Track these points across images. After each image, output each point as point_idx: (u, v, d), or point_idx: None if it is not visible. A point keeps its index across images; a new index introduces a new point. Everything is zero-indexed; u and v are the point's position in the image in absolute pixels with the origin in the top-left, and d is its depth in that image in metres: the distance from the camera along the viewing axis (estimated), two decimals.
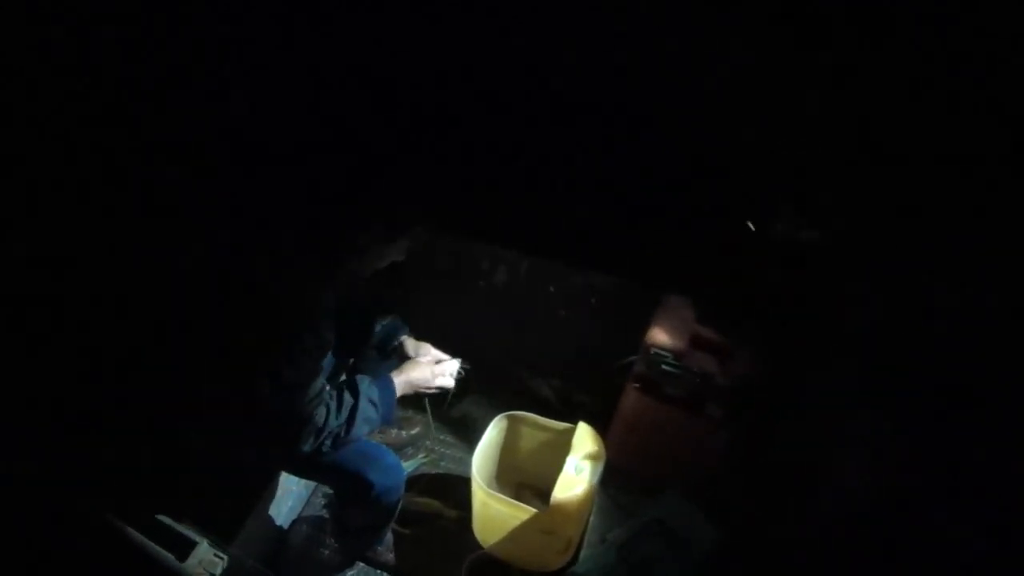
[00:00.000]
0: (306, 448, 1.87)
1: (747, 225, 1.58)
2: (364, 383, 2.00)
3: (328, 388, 1.91)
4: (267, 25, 1.81)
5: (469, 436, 3.10)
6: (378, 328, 2.44)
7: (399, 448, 2.99)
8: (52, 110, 1.81)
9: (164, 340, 2.06)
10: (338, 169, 1.95)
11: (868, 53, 1.22)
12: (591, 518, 2.50)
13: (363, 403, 1.95)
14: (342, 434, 1.92)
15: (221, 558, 1.89)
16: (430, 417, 2.99)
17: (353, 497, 2.22)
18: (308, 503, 2.72)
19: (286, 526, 2.60)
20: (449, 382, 2.30)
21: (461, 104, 1.88)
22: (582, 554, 2.42)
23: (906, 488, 1.42)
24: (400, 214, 1.93)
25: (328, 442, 1.91)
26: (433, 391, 2.28)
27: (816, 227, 1.52)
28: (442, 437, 3.12)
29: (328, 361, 2.00)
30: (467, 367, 2.37)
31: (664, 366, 2.47)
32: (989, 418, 1.23)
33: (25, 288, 1.91)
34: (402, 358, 2.42)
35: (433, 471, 2.94)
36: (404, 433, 3.05)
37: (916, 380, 1.41)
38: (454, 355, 2.40)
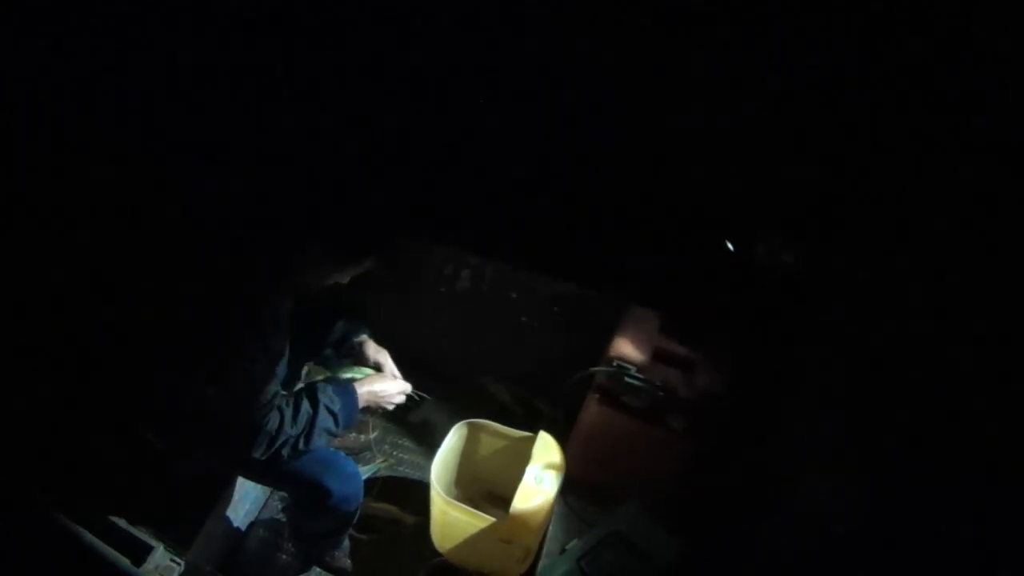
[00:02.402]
0: (258, 455, 1.84)
1: (725, 245, 1.60)
2: (324, 392, 1.97)
3: (283, 395, 1.88)
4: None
5: (428, 441, 3.10)
6: (336, 327, 2.41)
7: (357, 452, 2.97)
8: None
9: (120, 341, 2.02)
10: (291, 181, 1.93)
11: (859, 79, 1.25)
12: (550, 528, 2.51)
13: (322, 413, 1.92)
14: (300, 444, 1.90)
15: (177, 563, 1.87)
16: (377, 429, 2.99)
17: (310, 504, 2.19)
18: (265, 506, 2.69)
19: (243, 528, 2.57)
20: (402, 399, 2.31)
21: (425, 107, 1.87)
22: (540, 564, 2.43)
23: (870, 513, 1.45)
24: (354, 244, 1.93)
25: (286, 450, 1.88)
26: (389, 408, 2.28)
27: (796, 251, 1.55)
28: (401, 442, 3.11)
29: (282, 366, 1.98)
30: (416, 397, 2.39)
31: (627, 378, 2.48)
32: (960, 449, 1.26)
33: None
34: (360, 359, 2.41)
35: (391, 476, 2.93)
36: (362, 437, 3.04)
37: (888, 407, 1.44)
38: (404, 371, 2.41)
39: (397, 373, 2.38)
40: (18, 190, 1.92)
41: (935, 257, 1.35)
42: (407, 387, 2.32)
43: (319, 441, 1.93)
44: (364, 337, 2.42)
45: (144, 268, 2.01)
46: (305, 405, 1.90)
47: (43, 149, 1.91)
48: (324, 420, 1.93)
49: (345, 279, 2.00)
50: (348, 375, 2.27)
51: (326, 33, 1.70)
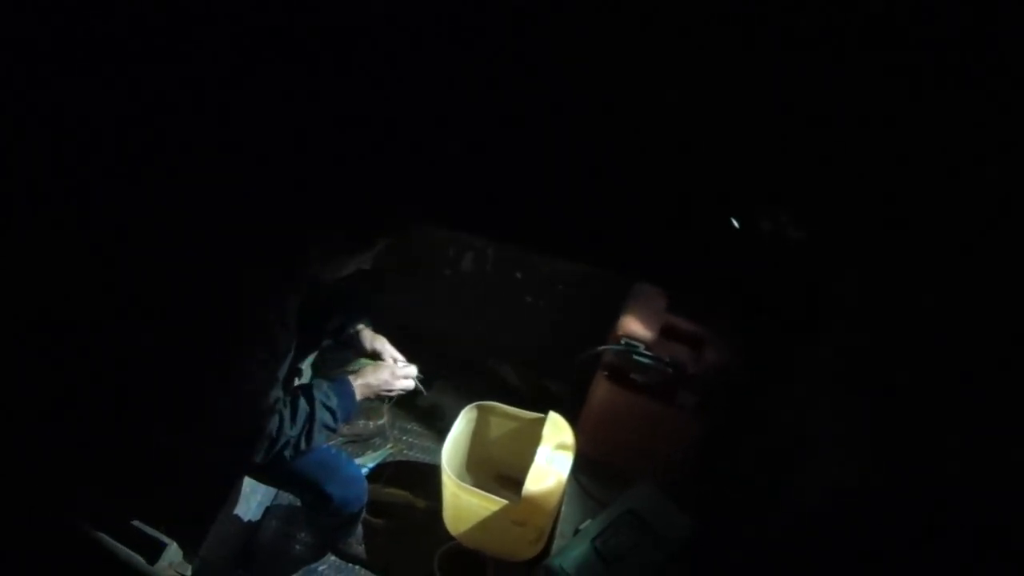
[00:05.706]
0: (259, 459, 1.82)
1: (731, 222, 1.58)
2: (320, 388, 1.96)
3: (282, 396, 1.87)
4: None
5: (437, 425, 3.08)
6: (334, 316, 2.39)
7: (366, 439, 2.97)
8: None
9: (130, 341, 2.00)
10: (298, 176, 1.90)
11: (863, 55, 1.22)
12: (563, 508, 2.51)
13: (319, 410, 1.90)
14: (301, 444, 1.88)
15: (191, 559, 1.87)
16: (386, 415, 2.98)
17: (314, 506, 2.21)
18: (278, 494, 2.68)
19: (257, 518, 2.57)
20: (410, 384, 2.30)
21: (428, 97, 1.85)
22: (554, 545, 2.43)
23: (884, 483, 1.44)
24: (361, 228, 1.90)
25: (288, 452, 1.86)
26: (393, 394, 2.27)
27: (802, 226, 1.53)
28: (410, 427, 3.10)
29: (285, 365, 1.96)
30: (422, 376, 2.36)
31: (635, 355, 2.46)
32: (969, 413, 1.25)
33: None
34: (357, 349, 2.39)
35: (402, 461, 2.92)
36: (371, 424, 3.02)
37: (897, 376, 1.43)
38: (411, 357, 2.40)
39: (400, 357, 2.37)
40: (27, 187, 1.91)
41: (948, 232, 1.33)
42: (409, 371, 2.31)
43: (319, 439, 1.92)
44: (361, 326, 2.40)
45: (152, 268, 1.99)
46: (302, 403, 1.88)
47: (46, 150, 1.89)
48: (323, 417, 1.91)
49: (353, 269, 1.97)
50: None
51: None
